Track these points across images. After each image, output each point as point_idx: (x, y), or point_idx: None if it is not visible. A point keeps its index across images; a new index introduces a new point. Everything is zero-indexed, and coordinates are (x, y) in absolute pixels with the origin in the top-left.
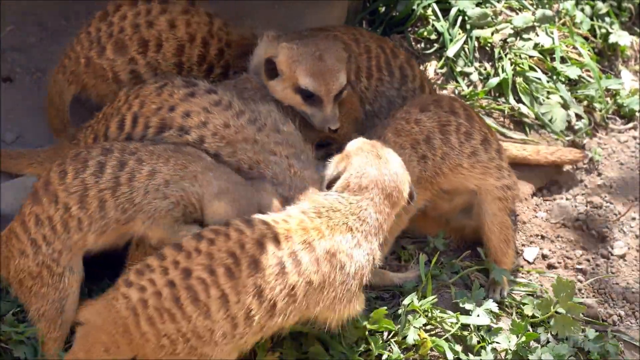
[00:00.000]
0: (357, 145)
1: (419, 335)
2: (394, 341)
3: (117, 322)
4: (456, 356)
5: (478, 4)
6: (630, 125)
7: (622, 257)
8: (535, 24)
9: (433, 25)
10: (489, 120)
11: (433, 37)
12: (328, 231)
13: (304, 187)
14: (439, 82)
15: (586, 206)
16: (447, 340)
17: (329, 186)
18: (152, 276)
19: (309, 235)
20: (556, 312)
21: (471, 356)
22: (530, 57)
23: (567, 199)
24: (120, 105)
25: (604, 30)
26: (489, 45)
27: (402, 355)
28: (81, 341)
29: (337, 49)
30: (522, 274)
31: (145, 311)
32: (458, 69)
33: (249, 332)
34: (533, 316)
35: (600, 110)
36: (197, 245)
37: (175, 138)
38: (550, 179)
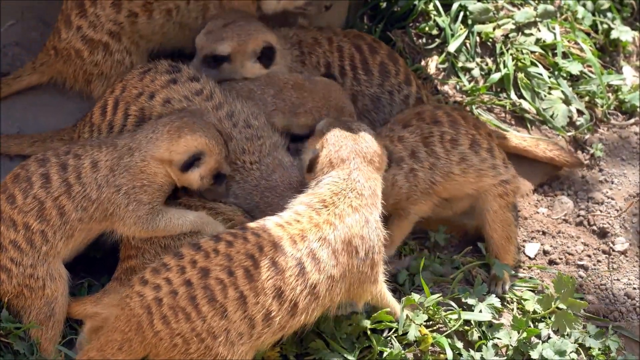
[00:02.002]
0: (327, 123)
1: (419, 331)
2: (395, 337)
3: (131, 320)
4: (457, 352)
5: None
6: (632, 121)
7: (624, 253)
8: (537, 19)
9: (434, 21)
10: (490, 116)
11: (434, 32)
12: (338, 220)
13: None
14: (440, 77)
15: (587, 202)
16: (448, 336)
17: (310, 169)
18: (168, 275)
19: (323, 231)
20: (557, 308)
21: (472, 352)
22: (532, 52)
23: (568, 195)
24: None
25: (605, 26)
26: (491, 40)
27: (403, 351)
28: (94, 339)
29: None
30: (524, 269)
31: (159, 310)
32: (459, 64)
33: (268, 332)
34: (534, 312)
35: (602, 106)
36: (215, 246)
37: None
38: (551, 175)
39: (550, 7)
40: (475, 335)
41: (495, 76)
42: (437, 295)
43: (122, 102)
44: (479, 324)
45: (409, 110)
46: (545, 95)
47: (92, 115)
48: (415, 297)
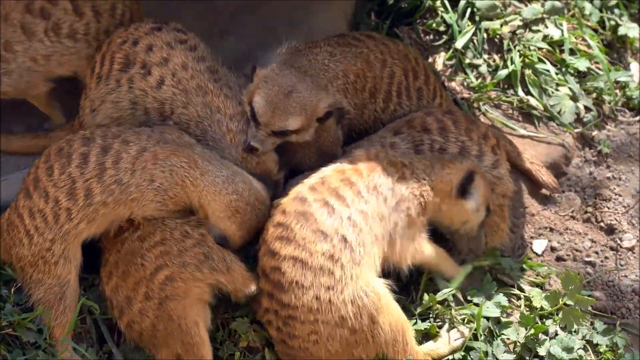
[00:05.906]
0: None
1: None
2: None
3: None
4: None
5: None
6: (639, 117)
7: (631, 249)
8: (544, 15)
9: (442, 17)
10: (498, 113)
11: (442, 28)
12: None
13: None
14: (447, 73)
15: (595, 198)
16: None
17: None
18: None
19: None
20: (565, 304)
21: (480, 343)
22: (539, 49)
23: (576, 192)
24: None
25: (613, 22)
26: (498, 37)
27: None
28: None
29: (313, 98)
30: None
31: (321, 312)
32: (467, 60)
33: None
34: (542, 309)
35: (609, 103)
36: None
37: (139, 80)
38: (558, 171)
39: (558, 4)
40: (484, 331)
41: (503, 73)
42: (448, 289)
43: (109, 54)
44: (487, 320)
45: (399, 120)
46: (552, 92)
47: (85, 78)
48: (425, 297)
